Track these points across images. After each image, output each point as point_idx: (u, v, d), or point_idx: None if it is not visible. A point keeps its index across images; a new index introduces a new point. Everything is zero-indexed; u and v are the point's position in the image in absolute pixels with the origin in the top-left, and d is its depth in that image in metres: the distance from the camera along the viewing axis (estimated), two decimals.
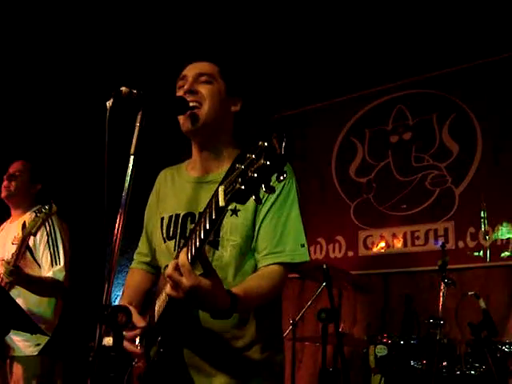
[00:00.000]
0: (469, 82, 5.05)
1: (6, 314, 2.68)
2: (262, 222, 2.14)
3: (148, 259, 2.54)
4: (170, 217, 2.31)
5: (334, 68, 5.56)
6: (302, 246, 2.14)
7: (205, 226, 1.67)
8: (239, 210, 2.12)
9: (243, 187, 1.46)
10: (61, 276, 3.72)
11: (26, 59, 5.34)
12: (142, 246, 2.58)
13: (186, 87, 2.23)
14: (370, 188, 5.40)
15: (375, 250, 5.23)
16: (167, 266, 2.14)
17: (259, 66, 5.52)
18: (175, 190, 2.40)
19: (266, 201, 2.13)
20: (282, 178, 1.45)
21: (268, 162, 1.41)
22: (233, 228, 2.12)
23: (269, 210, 2.13)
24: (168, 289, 1.81)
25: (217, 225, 1.67)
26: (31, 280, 3.61)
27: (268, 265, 2.10)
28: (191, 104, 2.19)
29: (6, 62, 5.25)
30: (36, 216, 3.54)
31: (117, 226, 1.97)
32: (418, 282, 4.87)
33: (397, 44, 5.23)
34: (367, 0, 4.94)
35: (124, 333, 2.01)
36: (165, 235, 2.31)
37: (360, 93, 5.61)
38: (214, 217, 1.62)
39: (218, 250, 2.14)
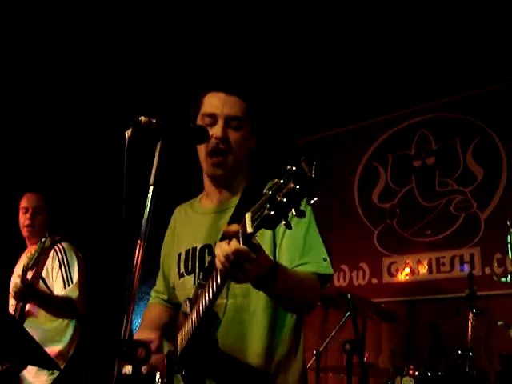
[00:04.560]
0: (493, 105, 4.98)
1: (22, 348, 2.63)
2: (281, 242, 2.09)
3: (165, 297, 2.51)
4: (187, 251, 2.28)
5: (355, 93, 5.52)
6: (325, 259, 2.09)
7: None
8: (256, 236, 2.08)
9: (272, 212, 1.43)
10: (73, 295, 3.66)
11: (44, 88, 5.36)
12: (159, 283, 2.55)
13: (218, 134, 2.16)
14: (393, 214, 5.33)
15: (400, 277, 5.14)
16: (187, 299, 2.10)
17: (281, 91, 5.49)
18: (190, 225, 2.37)
19: None
20: (312, 201, 1.41)
21: (298, 186, 1.37)
22: None
23: (285, 230, 2.02)
24: (217, 263, 1.70)
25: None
26: (42, 295, 3.58)
27: None
28: (221, 149, 2.17)
29: (24, 89, 5.29)
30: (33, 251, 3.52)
31: (136, 257, 1.93)
32: (444, 310, 4.76)
33: (419, 68, 5.18)
34: (389, 25, 4.90)
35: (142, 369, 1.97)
36: (182, 270, 2.27)
37: (382, 117, 5.57)
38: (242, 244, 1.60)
39: None
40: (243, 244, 1.58)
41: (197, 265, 2.22)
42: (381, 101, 5.48)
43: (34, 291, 3.52)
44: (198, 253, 2.23)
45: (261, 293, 2.02)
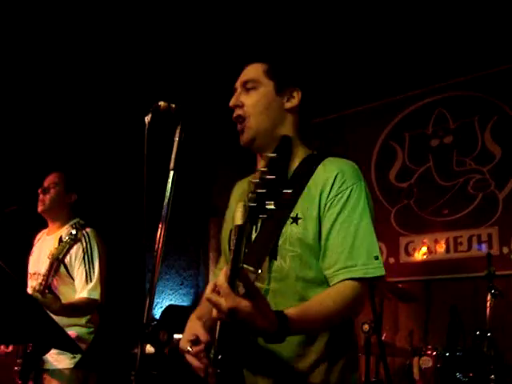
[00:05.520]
0: (511, 83, 4.91)
1: (45, 331, 2.65)
2: (329, 234, 1.94)
3: None
4: (235, 227, 2.23)
5: (372, 72, 5.48)
6: (376, 258, 1.92)
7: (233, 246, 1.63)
8: (300, 218, 1.95)
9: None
10: (96, 294, 3.65)
11: (65, 72, 5.36)
12: (221, 260, 2.43)
13: (230, 103, 2.13)
14: (410, 193, 5.30)
15: (417, 256, 5.13)
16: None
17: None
18: (242, 200, 2.30)
19: (331, 208, 1.95)
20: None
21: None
22: (292, 237, 1.96)
23: (336, 220, 1.93)
24: (214, 311, 1.70)
25: (243, 244, 1.65)
26: (65, 309, 3.49)
27: (340, 281, 1.90)
28: (235, 116, 2.11)
29: (44, 74, 5.30)
30: (63, 242, 3.50)
31: (157, 240, 1.95)
32: (462, 289, 4.76)
33: (436, 46, 5.13)
34: (406, 2, 4.84)
35: (189, 348, 1.90)
36: (232, 247, 2.22)
37: (399, 96, 5.51)
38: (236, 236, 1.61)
39: (276, 259, 1.97)
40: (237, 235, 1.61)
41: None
42: (398, 79, 5.43)
43: (56, 308, 3.41)
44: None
45: (298, 277, 1.95)
